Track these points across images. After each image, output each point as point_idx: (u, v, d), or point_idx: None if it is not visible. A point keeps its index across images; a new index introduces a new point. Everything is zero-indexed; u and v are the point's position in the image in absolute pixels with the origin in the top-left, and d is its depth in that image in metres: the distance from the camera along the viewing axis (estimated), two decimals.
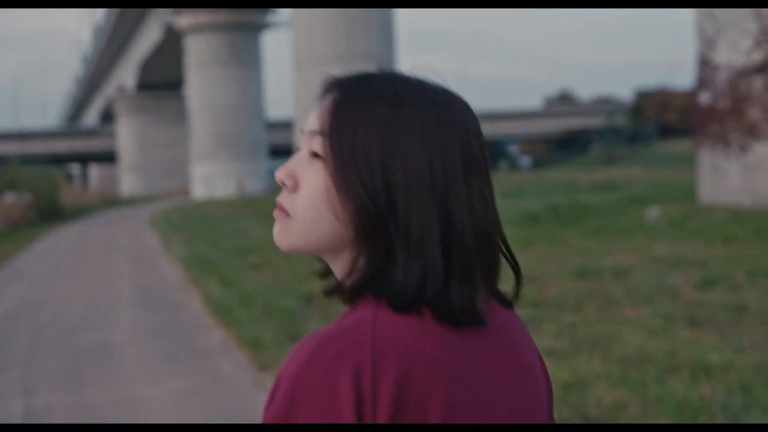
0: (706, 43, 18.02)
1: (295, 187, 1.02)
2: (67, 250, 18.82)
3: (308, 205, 1.00)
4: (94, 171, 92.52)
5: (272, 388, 0.95)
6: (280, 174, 1.03)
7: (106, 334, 8.36)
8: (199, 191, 50.32)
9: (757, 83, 16.74)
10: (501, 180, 45.20)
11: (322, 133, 1.00)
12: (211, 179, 50.70)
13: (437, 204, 0.97)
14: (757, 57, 16.68)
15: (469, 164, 1.01)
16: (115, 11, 61.73)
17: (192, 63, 50.91)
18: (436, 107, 1.01)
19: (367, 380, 0.90)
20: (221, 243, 16.59)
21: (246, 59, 51.21)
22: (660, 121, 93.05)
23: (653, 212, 14.04)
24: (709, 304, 7.46)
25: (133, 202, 50.54)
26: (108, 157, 76.24)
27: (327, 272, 1.10)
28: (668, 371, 5.48)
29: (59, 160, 69.22)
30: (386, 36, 39.39)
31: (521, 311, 7.06)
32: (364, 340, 0.92)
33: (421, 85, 1.03)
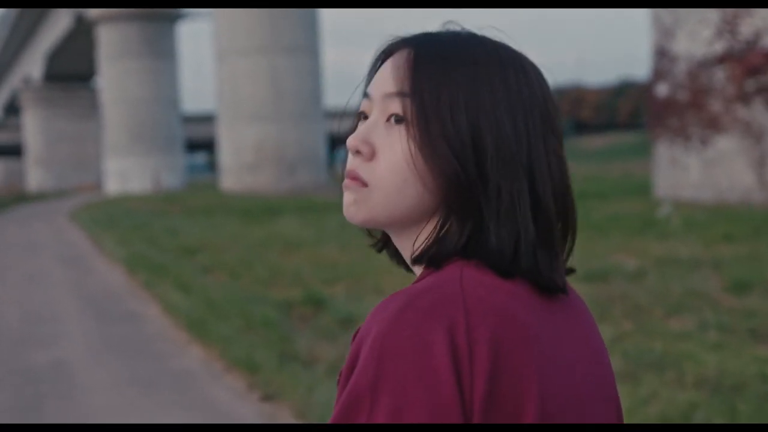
0: (664, 33, 17.44)
1: (371, 155, 0.97)
2: None
3: (393, 172, 0.96)
4: None
5: (351, 353, 0.90)
6: (354, 141, 0.97)
7: (61, 353, 7.13)
8: (113, 186, 48.66)
9: (718, 74, 16.19)
10: None
11: (404, 95, 0.96)
12: (125, 174, 49.03)
13: (524, 169, 0.95)
14: (718, 47, 16.12)
15: (547, 125, 0.98)
16: None
17: (104, 54, 49.09)
18: (514, 67, 0.98)
19: (462, 338, 0.86)
20: (159, 242, 15.29)
21: (161, 50, 49.66)
22: (574, 117, 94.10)
23: (665, 208, 13.28)
24: (758, 313, 6.65)
25: (43, 197, 48.35)
26: (14, 151, 73.34)
27: (384, 245, 1.07)
28: None
29: None
30: (311, 27, 38.26)
31: None
32: (455, 297, 0.89)
33: (494, 45, 0.99)
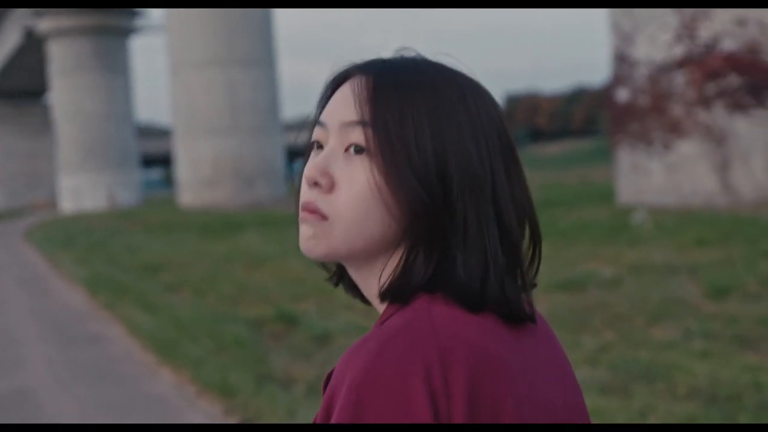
0: (623, 38, 17.44)
1: (331, 186, 0.94)
2: None
3: (356, 204, 0.92)
4: None
5: (324, 401, 0.88)
6: (312, 172, 0.93)
7: (23, 379, 6.83)
8: (68, 204, 47.92)
9: (678, 79, 16.22)
10: None
11: (365, 124, 0.93)
12: (79, 191, 48.32)
13: (489, 194, 0.93)
14: (678, 51, 16.15)
15: (506, 148, 0.97)
16: None
17: (56, 69, 48.39)
18: (472, 92, 0.96)
19: (438, 381, 0.85)
20: (119, 260, 14.94)
21: (114, 65, 49.07)
22: (530, 124, 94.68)
23: (639, 214, 13.22)
24: (740, 319, 6.55)
25: None
26: None
27: (340, 278, 1.05)
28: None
29: None
30: (266, 39, 37.98)
31: None
32: (427, 338, 0.86)
33: (451, 71, 0.98)
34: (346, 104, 0.94)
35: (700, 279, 8.11)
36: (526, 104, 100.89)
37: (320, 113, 0.98)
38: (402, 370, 0.84)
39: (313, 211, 0.93)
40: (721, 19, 15.46)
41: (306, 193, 0.95)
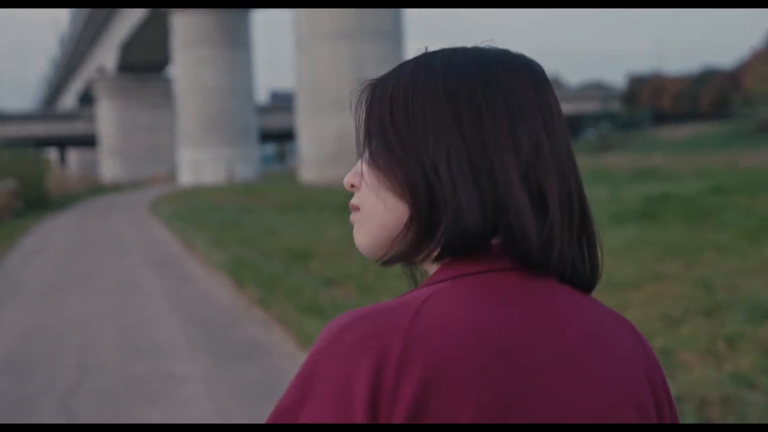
0: None
1: (360, 184, 1.00)
2: (65, 249, 15.75)
3: (368, 190, 0.98)
4: (73, 156, 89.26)
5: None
6: (346, 178, 1.02)
7: (182, 411, 5.36)
8: (187, 177, 47.68)
9: None
10: None
11: (357, 128, 1.01)
12: (199, 165, 48.01)
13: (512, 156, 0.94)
14: None
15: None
16: None
17: (179, 43, 48.07)
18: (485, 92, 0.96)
19: (389, 372, 0.81)
20: (258, 244, 13.54)
21: (236, 39, 48.54)
22: (654, 107, 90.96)
23: None
24: None
25: (118, 188, 47.43)
26: (88, 141, 73.05)
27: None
28: None
29: (36, 143, 65.77)
30: (395, 12, 36.45)
31: None
32: (399, 325, 0.84)
33: (432, 66, 0.98)
34: (361, 116, 1.00)
35: None
36: (650, 85, 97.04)
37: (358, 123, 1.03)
38: (356, 353, 0.82)
39: (353, 207, 1.00)
40: None
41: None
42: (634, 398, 0.93)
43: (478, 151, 0.92)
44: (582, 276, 0.96)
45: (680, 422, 1.00)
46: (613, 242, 9.82)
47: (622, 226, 11.93)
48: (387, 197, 0.94)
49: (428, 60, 0.98)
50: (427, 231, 0.93)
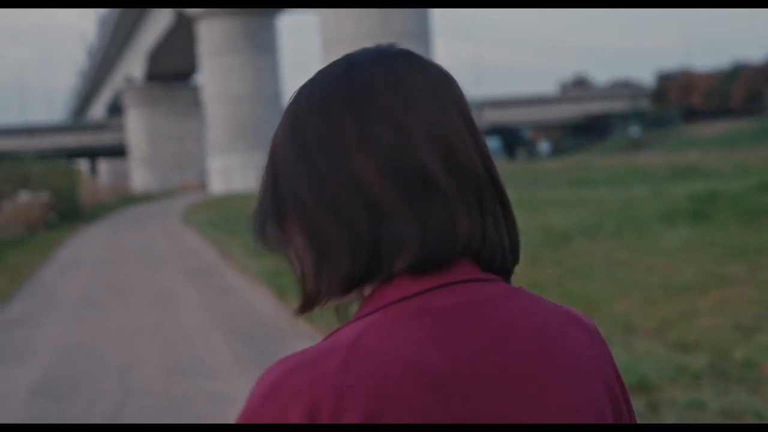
0: None
1: None
2: (100, 261, 15.59)
3: None
4: (103, 166, 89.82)
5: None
6: None
7: None
8: (217, 185, 47.63)
9: None
10: (529, 169, 42.12)
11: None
12: (229, 172, 47.94)
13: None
14: None
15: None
16: None
17: (205, 50, 48.06)
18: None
19: (324, 419, 0.77)
20: None
21: (262, 44, 48.44)
22: (683, 104, 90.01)
23: None
24: None
25: (149, 197, 47.45)
26: (117, 151, 73.40)
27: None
28: None
29: (67, 155, 66.21)
30: (422, 14, 36.22)
31: None
32: (328, 373, 0.78)
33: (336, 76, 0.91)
34: None
35: None
36: (678, 82, 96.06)
37: None
38: (288, 411, 0.77)
39: None
40: None
41: None
42: (591, 398, 0.89)
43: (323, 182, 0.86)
44: (506, 262, 0.90)
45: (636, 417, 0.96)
46: (667, 243, 9.47)
47: (673, 227, 11.56)
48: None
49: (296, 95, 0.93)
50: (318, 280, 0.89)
